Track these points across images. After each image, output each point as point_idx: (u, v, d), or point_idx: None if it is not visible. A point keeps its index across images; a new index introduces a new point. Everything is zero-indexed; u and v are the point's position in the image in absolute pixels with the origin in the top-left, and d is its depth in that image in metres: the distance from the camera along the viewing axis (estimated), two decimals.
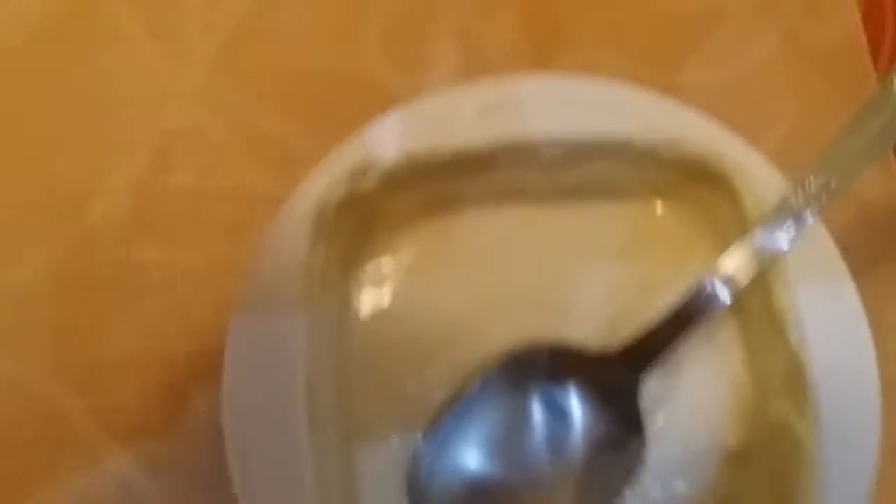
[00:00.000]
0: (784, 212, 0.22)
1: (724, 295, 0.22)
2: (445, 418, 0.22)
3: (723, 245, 0.23)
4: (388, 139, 0.22)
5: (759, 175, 0.23)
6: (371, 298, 0.24)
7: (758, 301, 0.23)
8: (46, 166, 0.27)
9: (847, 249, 0.23)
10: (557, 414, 0.23)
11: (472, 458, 0.22)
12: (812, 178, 0.22)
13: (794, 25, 0.31)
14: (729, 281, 0.22)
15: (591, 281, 0.24)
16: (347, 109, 0.24)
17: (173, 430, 0.25)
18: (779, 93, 0.30)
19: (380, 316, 0.24)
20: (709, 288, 0.22)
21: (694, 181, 0.24)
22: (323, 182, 0.22)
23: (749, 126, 0.24)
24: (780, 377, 0.22)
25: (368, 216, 0.23)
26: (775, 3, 0.31)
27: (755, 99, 0.30)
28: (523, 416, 0.22)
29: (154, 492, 0.24)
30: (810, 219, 0.22)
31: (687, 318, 0.22)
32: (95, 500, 0.24)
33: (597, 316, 0.24)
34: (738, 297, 0.23)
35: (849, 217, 0.28)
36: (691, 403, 0.23)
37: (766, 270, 0.22)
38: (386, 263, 0.24)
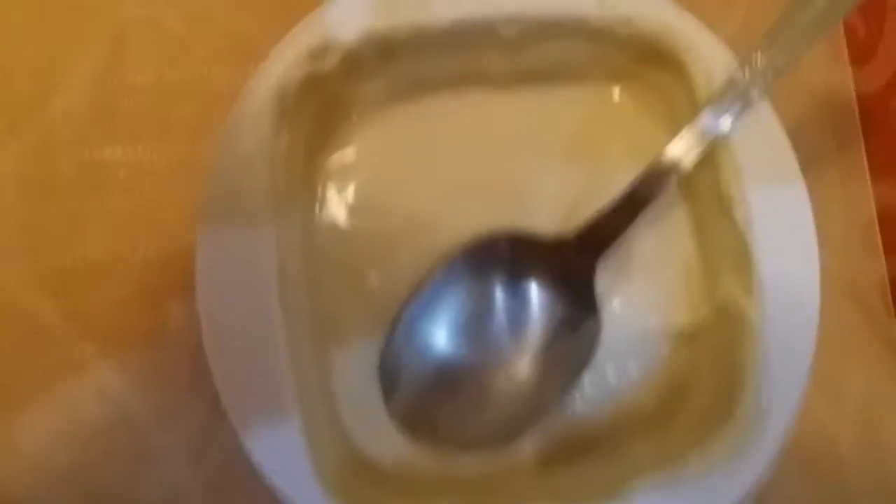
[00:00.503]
0: (732, 90, 0.22)
1: (672, 178, 0.23)
2: (412, 306, 0.23)
3: (677, 130, 0.23)
4: (348, 18, 0.22)
5: (709, 54, 0.23)
6: (335, 189, 0.24)
7: (707, 184, 0.24)
8: (2, 61, 0.27)
9: (796, 137, 0.23)
10: (518, 299, 0.24)
11: (438, 342, 0.23)
12: (759, 54, 0.22)
13: None
14: (677, 162, 0.23)
15: (550, 169, 0.25)
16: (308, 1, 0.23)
17: (150, 333, 0.26)
18: None
19: (344, 207, 0.24)
20: (658, 171, 0.23)
21: (649, 63, 0.24)
22: (283, 64, 0.21)
23: (706, 9, 0.24)
24: (728, 258, 0.23)
25: (330, 103, 0.23)
26: None
27: None
28: (486, 302, 0.24)
29: (135, 396, 0.25)
30: (757, 97, 0.22)
31: (638, 202, 0.23)
32: (78, 407, 0.25)
33: (555, 203, 0.25)
34: (688, 180, 0.23)
35: (799, 105, 0.29)
36: (644, 286, 0.25)
37: (715, 153, 0.23)
38: (349, 153, 0.24)
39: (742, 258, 0.22)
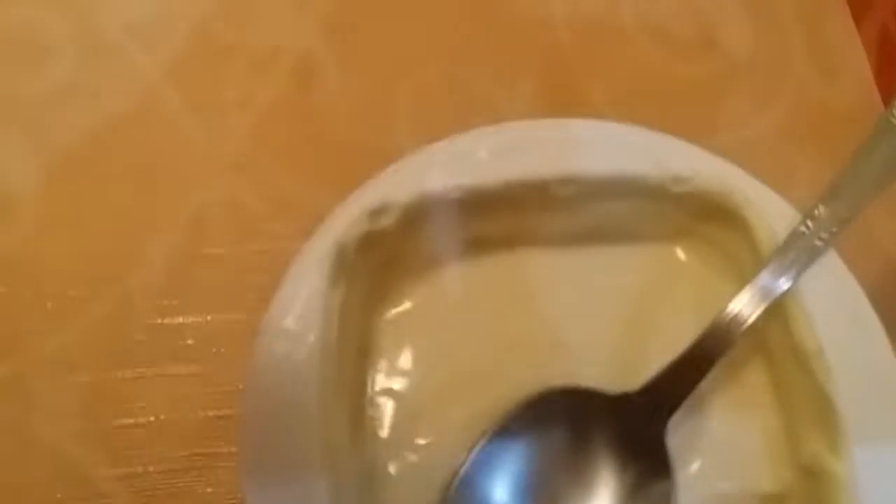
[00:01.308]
0: (795, 243, 0.22)
1: (740, 330, 0.22)
2: (470, 465, 0.22)
3: (743, 286, 0.23)
4: (405, 180, 0.24)
5: (771, 209, 0.23)
6: (389, 345, 0.25)
7: (781, 339, 0.23)
8: (90, 237, 0.29)
9: (874, 300, 0.23)
10: (582, 459, 0.23)
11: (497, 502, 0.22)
12: (821, 206, 0.22)
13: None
14: (744, 318, 0.22)
15: (609, 327, 0.25)
16: (371, 172, 0.25)
17: (202, 499, 0.26)
18: (797, 151, 0.31)
19: (396, 363, 0.25)
20: (725, 326, 0.22)
21: (709, 220, 0.25)
22: (342, 221, 0.23)
23: (771, 179, 0.25)
24: (811, 415, 0.22)
25: (388, 261, 0.25)
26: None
27: (774, 156, 0.31)
28: (546, 463, 0.23)
29: None
30: (822, 250, 0.22)
31: (706, 357, 0.22)
32: None
33: (614, 362, 0.24)
34: (762, 338, 0.23)
35: (874, 268, 0.29)
36: (721, 447, 0.24)
37: (787, 307, 0.23)
38: (405, 309, 0.25)
39: (825, 414, 0.21)
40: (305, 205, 0.30)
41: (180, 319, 0.28)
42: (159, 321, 0.28)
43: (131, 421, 0.27)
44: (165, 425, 0.26)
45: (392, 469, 0.23)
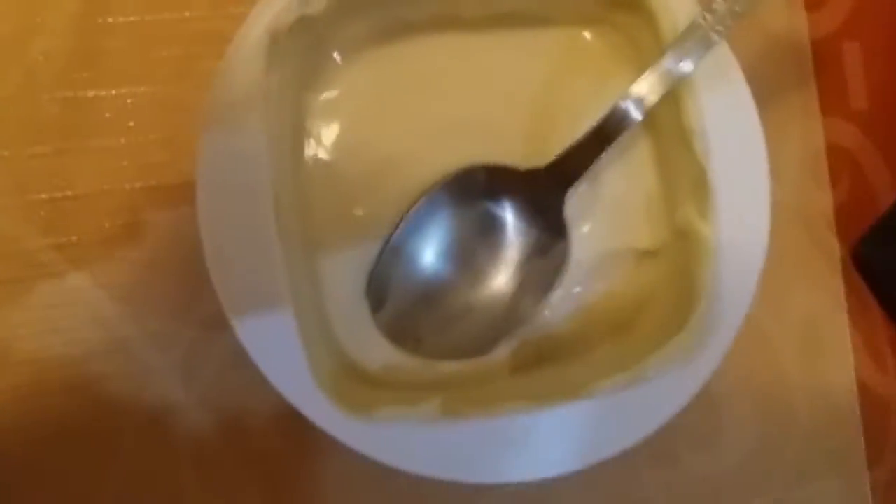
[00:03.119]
0: (693, 34, 0.25)
1: (638, 112, 0.26)
2: (399, 230, 0.26)
3: (643, 71, 0.26)
4: None
5: (674, 1, 0.26)
6: (322, 126, 0.27)
7: (669, 118, 0.27)
8: None
9: (754, 77, 0.26)
10: (495, 223, 0.27)
11: (423, 261, 0.27)
12: (719, 0, 0.25)
13: None
14: (642, 100, 0.26)
15: (523, 107, 0.28)
16: None
17: (140, 262, 0.28)
18: None
19: (330, 143, 0.27)
20: (624, 107, 0.26)
21: (618, 7, 0.27)
22: (274, 8, 0.24)
23: None
24: (687, 185, 0.27)
25: (318, 44, 0.26)
26: None
27: None
28: (466, 226, 0.27)
29: (127, 319, 0.28)
30: (718, 40, 0.25)
31: (605, 135, 0.26)
32: (73, 333, 0.27)
33: (527, 139, 0.28)
34: (651, 115, 0.26)
35: (757, 48, 0.33)
36: (610, 212, 0.28)
37: (677, 91, 0.26)
38: (335, 92, 0.27)
39: (700, 185, 0.26)
40: None
41: (93, 92, 0.29)
42: (71, 94, 0.28)
43: (59, 194, 0.28)
44: (94, 197, 0.28)
45: (333, 236, 0.27)
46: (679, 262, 0.27)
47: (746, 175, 0.26)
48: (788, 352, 0.31)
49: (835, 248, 0.32)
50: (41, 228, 0.28)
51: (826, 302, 0.32)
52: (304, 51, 0.25)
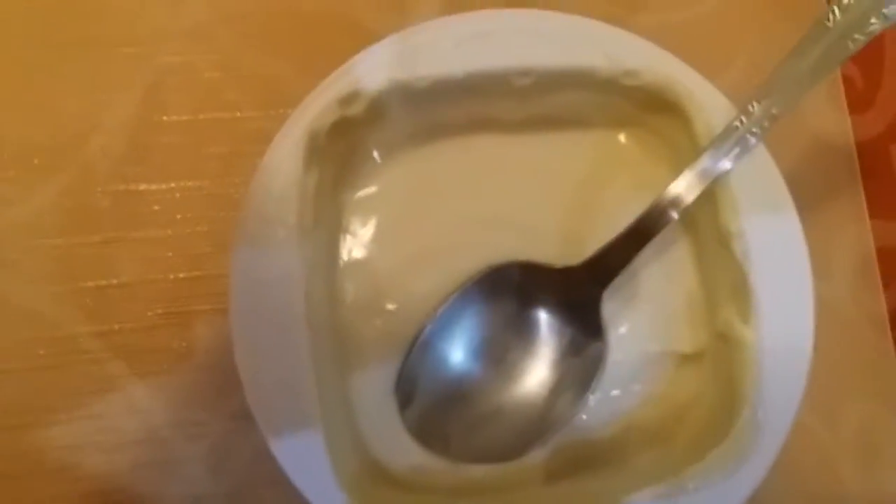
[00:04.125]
0: (729, 136, 0.25)
1: (674, 212, 0.25)
2: (429, 327, 0.26)
3: (680, 172, 0.26)
4: (374, 69, 0.25)
5: (709, 103, 0.26)
6: (358, 224, 0.27)
7: (707, 220, 0.26)
8: (49, 107, 0.30)
9: (798, 179, 0.26)
10: (529, 323, 0.27)
11: (453, 359, 0.26)
12: (755, 103, 0.25)
13: None
14: (679, 199, 0.25)
15: (558, 206, 0.28)
16: (333, 49, 0.26)
17: (177, 353, 0.28)
18: (737, 30, 0.33)
19: (365, 239, 0.27)
20: (661, 206, 0.25)
21: (653, 111, 0.27)
22: (314, 109, 0.25)
23: (709, 62, 0.27)
24: (727, 288, 0.26)
25: (357, 144, 0.27)
26: None
27: (714, 37, 0.33)
28: (498, 325, 0.26)
29: (161, 410, 0.28)
30: (754, 143, 0.25)
31: (642, 234, 0.26)
32: (106, 421, 0.28)
33: (562, 238, 0.28)
34: (690, 216, 0.26)
35: (801, 150, 0.32)
36: (649, 313, 0.28)
37: (715, 193, 0.26)
38: (371, 190, 0.28)
39: (740, 288, 0.25)
40: (261, 74, 0.31)
41: (143, 186, 0.30)
42: (123, 188, 0.30)
43: (104, 282, 0.29)
44: (138, 286, 0.29)
45: (362, 332, 0.26)
46: (721, 366, 0.26)
47: (788, 277, 0.25)
48: (844, 461, 0.30)
49: (889, 351, 0.31)
50: (86, 315, 0.28)
51: (882, 408, 0.30)
52: (342, 151, 0.26)
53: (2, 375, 0.28)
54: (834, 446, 0.30)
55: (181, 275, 0.29)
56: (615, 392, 0.27)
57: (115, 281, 0.29)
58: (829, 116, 0.33)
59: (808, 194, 0.26)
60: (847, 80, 0.34)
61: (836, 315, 0.30)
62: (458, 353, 0.26)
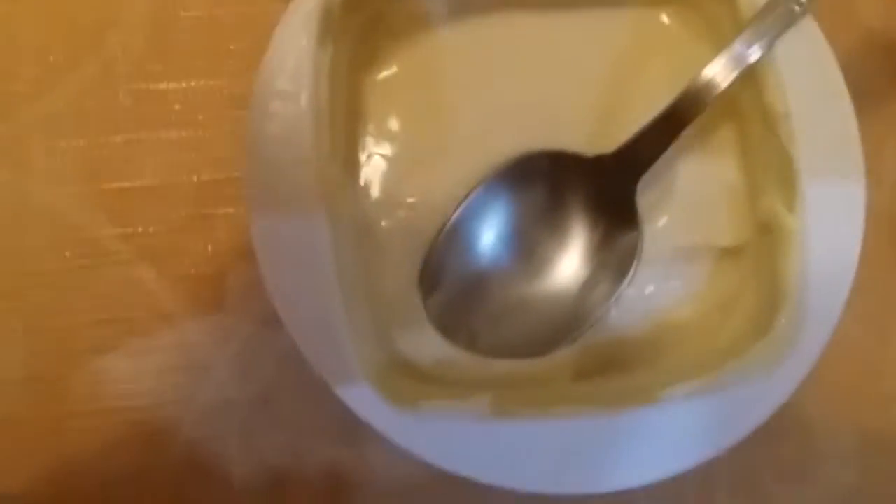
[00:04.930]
0: (773, 9, 0.23)
1: (713, 94, 0.24)
2: (456, 214, 0.25)
3: (721, 51, 0.24)
4: None
5: None
6: (377, 108, 0.26)
7: (751, 102, 0.25)
8: (66, 2, 0.29)
9: (850, 74, 0.24)
10: (560, 213, 0.25)
11: (480, 249, 0.25)
12: None
13: None
14: (717, 82, 0.24)
15: (592, 91, 0.26)
16: None
17: (202, 255, 0.28)
18: None
19: (385, 126, 0.26)
20: (698, 89, 0.24)
21: None
22: None
23: None
24: (772, 174, 0.24)
25: (374, 21, 0.25)
26: None
27: None
28: (528, 215, 0.25)
29: (188, 315, 0.27)
30: (799, 15, 0.23)
31: (678, 119, 0.24)
32: (134, 325, 0.27)
33: (595, 124, 0.26)
34: (733, 99, 0.24)
35: (855, 44, 0.30)
36: (687, 206, 0.26)
37: (760, 72, 0.24)
38: (392, 72, 0.26)
39: (786, 174, 0.23)
40: None
41: (164, 85, 0.29)
42: (144, 86, 0.29)
43: (127, 184, 0.28)
44: (161, 188, 0.28)
45: (384, 223, 0.25)
46: (763, 260, 0.24)
47: (838, 165, 0.23)
48: (892, 377, 0.28)
49: None
50: (109, 217, 0.28)
51: None
52: (359, 27, 0.25)
53: (29, 277, 0.28)
54: (880, 360, 0.28)
55: (204, 177, 0.28)
56: (650, 289, 0.25)
57: (137, 183, 0.28)
58: (883, 8, 0.30)
59: (861, 92, 0.24)
60: None
61: (885, 222, 0.28)
62: (485, 243, 0.25)
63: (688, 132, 0.24)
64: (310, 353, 0.22)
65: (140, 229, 0.28)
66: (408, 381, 0.23)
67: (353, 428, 0.23)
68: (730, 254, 0.26)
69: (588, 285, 0.25)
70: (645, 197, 0.25)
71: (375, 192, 0.26)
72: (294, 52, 0.23)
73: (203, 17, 0.29)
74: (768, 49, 0.23)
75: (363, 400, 0.22)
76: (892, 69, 0.30)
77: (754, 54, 0.23)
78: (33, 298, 0.27)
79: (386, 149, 0.26)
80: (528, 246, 0.25)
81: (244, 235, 0.28)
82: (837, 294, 0.23)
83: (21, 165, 0.28)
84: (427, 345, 0.24)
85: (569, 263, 0.25)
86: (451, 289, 0.24)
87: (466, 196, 0.25)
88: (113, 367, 0.27)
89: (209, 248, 0.28)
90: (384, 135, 0.26)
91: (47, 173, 0.28)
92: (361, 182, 0.26)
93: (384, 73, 0.26)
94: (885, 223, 0.28)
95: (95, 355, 0.27)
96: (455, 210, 0.25)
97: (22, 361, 0.27)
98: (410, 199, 0.26)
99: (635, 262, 0.24)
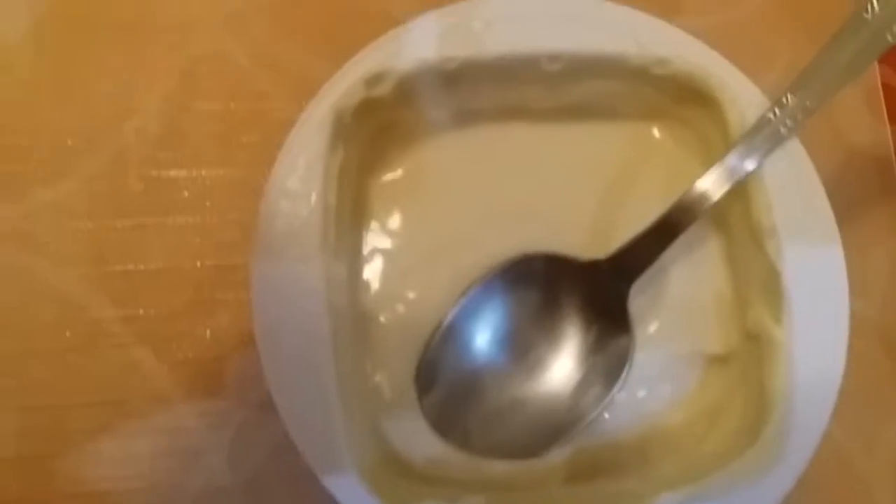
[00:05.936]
0: (762, 129, 0.24)
1: (704, 207, 0.24)
2: (452, 314, 0.25)
3: (711, 165, 0.25)
4: (402, 50, 0.25)
5: (743, 95, 0.25)
6: (382, 208, 0.27)
7: (739, 216, 0.25)
8: (84, 89, 0.30)
9: (835, 190, 0.25)
10: (553, 316, 0.26)
11: (475, 349, 0.25)
12: (789, 95, 0.24)
13: None
14: (709, 194, 0.24)
15: (586, 199, 0.27)
16: (365, 40, 0.26)
17: (202, 340, 0.28)
18: (779, 31, 0.32)
19: (389, 224, 0.27)
20: (690, 201, 0.25)
21: (685, 102, 0.26)
22: (341, 88, 0.24)
23: (749, 63, 0.26)
24: (759, 286, 0.25)
25: (382, 127, 0.26)
26: None
27: (754, 38, 0.32)
28: (522, 316, 0.26)
29: (183, 398, 0.27)
30: (787, 136, 0.24)
31: (670, 229, 0.25)
32: (128, 406, 0.27)
33: (590, 231, 0.27)
34: (721, 212, 0.25)
35: (838, 160, 0.31)
36: (677, 313, 0.27)
37: (748, 187, 0.25)
38: (396, 175, 0.27)
39: (772, 287, 0.24)
40: (294, 66, 0.31)
41: (174, 172, 0.30)
42: (155, 173, 0.30)
43: (132, 267, 0.29)
44: (165, 272, 0.29)
45: (383, 319, 0.26)
46: (751, 369, 0.25)
47: (822, 278, 0.24)
48: (881, 489, 0.28)
49: None
50: (112, 299, 0.28)
51: None
52: (369, 133, 0.26)
53: (29, 356, 0.28)
54: (868, 470, 0.28)
55: (208, 262, 0.29)
56: (641, 393, 0.26)
57: (142, 266, 0.29)
58: (867, 126, 0.32)
59: (845, 205, 0.25)
60: (887, 89, 0.32)
61: (874, 331, 0.29)
62: (480, 343, 0.25)
63: (678, 242, 0.25)
64: (301, 441, 0.22)
65: (141, 311, 0.28)
66: (399, 478, 0.23)
67: None
68: (718, 361, 0.26)
69: (581, 387, 0.25)
70: (637, 303, 0.26)
71: (376, 286, 0.26)
72: (306, 155, 0.24)
73: (218, 110, 0.30)
74: (757, 165, 0.24)
75: (351, 493, 0.22)
76: (876, 182, 0.31)
77: (744, 169, 0.24)
78: (31, 376, 0.27)
79: (388, 246, 0.27)
80: (523, 347, 0.25)
81: (245, 322, 0.28)
82: (824, 404, 0.23)
83: (29, 245, 0.28)
84: (420, 441, 0.25)
85: (562, 365, 0.25)
86: (447, 387, 0.25)
87: (463, 294, 0.25)
88: (104, 448, 0.27)
89: (208, 332, 0.28)
90: (387, 233, 0.27)
91: (54, 254, 0.28)
92: (363, 277, 0.26)
93: (389, 176, 0.27)
94: (872, 332, 0.29)
95: (88, 436, 0.27)
96: (452, 308, 0.25)
97: (14, 439, 0.27)
98: (410, 295, 0.26)
99: (627, 365, 0.25)
